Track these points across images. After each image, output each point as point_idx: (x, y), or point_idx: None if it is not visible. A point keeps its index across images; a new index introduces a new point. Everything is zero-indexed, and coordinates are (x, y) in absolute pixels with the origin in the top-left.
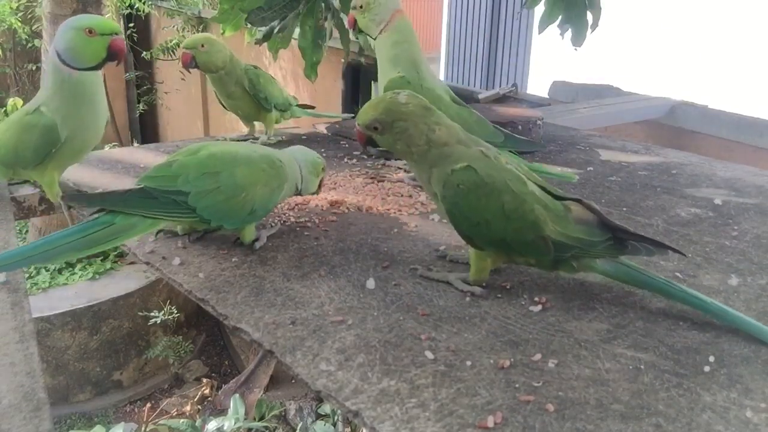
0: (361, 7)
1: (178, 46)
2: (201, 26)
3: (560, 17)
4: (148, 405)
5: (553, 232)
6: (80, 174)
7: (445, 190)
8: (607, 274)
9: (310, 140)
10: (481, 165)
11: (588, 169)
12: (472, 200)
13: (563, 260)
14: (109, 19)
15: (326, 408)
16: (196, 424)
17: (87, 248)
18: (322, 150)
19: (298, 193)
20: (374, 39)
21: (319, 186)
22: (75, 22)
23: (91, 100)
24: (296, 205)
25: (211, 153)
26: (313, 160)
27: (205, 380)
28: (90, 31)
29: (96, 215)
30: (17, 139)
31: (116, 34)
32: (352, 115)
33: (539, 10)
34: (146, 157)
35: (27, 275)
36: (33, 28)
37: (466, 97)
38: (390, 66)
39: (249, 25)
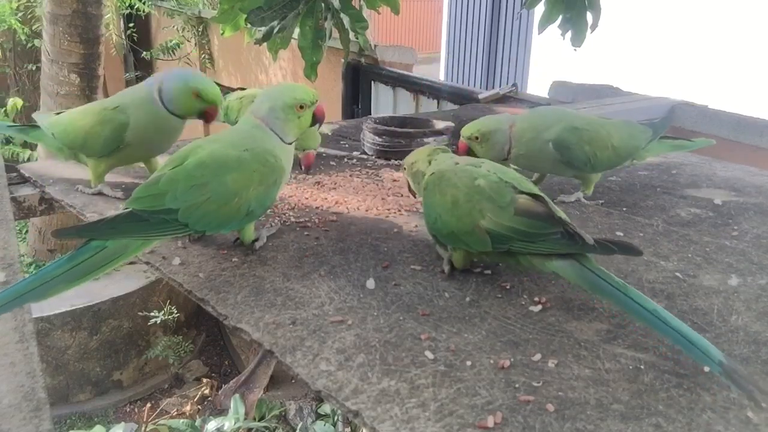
0: (477, 138)
1: (179, 46)
2: (201, 26)
3: (560, 17)
4: (148, 405)
5: (488, 222)
6: (82, 172)
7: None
8: (564, 274)
9: None
10: (444, 170)
11: None
12: (431, 198)
13: (515, 254)
14: (215, 87)
15: (326, 408)
16: (196, 424)
17: (82, 277)
18: (323, 150)
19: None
20: (505, 160)
21: (315, 119)
22: (187, 80)
23: (167, 135)
24: (296, 205)
25: (199, 161)
26: (284, 104)
27: (205, 380)
28: (196, 95)
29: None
30: (90, 128)
31: (217, 104)
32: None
33: (539, 10)
34: None
35: (26, 275)
36: (33, 28)
37: (466, 97)
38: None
39: (249, 25)
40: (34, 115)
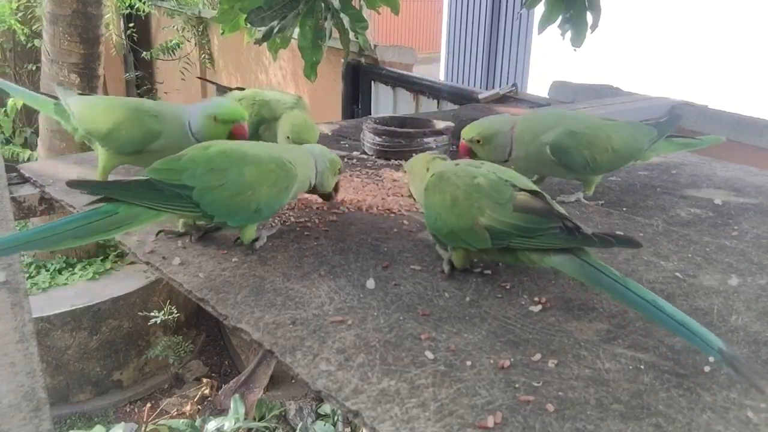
0: (478, 141)
1: (179, 46)
2: (201, 26)
3: (560, 17)
4: (148, 405)
5: (487, 218)
6: (80, 171)
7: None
8: (563, 268)
9: None
10: (444, 171)
11: None
12: (431, 199)
13: (514, 250)
14: (231, 108)
15: (326, 408)
16: (196, 424)
17: (88, 236)
18: None
19: (312, 189)
20: (505, 161)
21: (336, 188)
22: (206, 110)
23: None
24: (296, 204)
25: (220, 150)
26: (332, 158)
27: (205, 380)
28: (215, 119)
29: (99, 204)
30: (119, 124)
31: (238, 120)
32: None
33: (539, 10)
34: None
35: (27, 275)
36: (33, 29)
37: (466, 97)
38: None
39: (249, 25)
40: (57, 87)
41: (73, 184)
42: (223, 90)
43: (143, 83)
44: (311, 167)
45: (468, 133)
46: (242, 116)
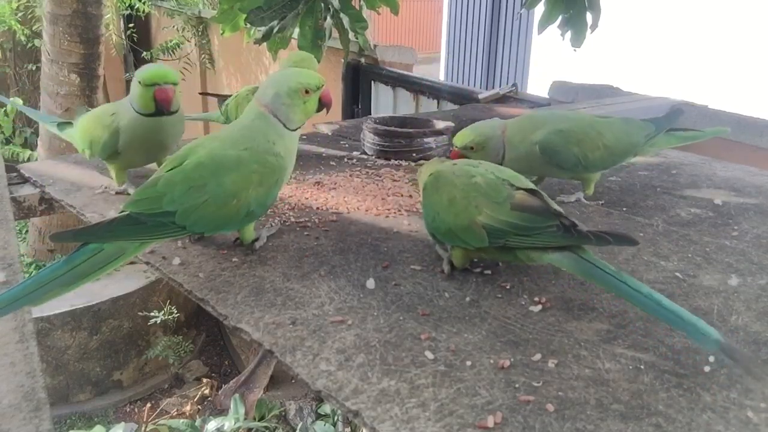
0: (472, 148)
1: (179, 46)
2: (201, 26)
3: (560, 18)
4: (148, 405)
5: (485, 217)
6: (80, 171)
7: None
8: (560, 265)
9: (310, 140)
10: (442, 171)
11: None
12: (429, 198)
13: (512, 248)
14: (167, 70)
15: (326, 408)
16: (196, 424)
17: (79, 280)
18: (323, 150)
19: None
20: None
21: (321, 105)
22: (136, 73)
23: (154, 138)
24: (296, 205)
25: (198, 162)
26: (289, 89)
27: (205, 380)
28: (140, 83)
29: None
30: (93, 132)
31: (158, 83)
32: None
33: (539, 10)
34: None
35: (26, 275)
36: (33, 29)
37: (466, 97)
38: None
39: (248, 25)
40: (77, 109)
41: (55, 237)
42: (223, 99)
43: None
44: (294, 145)
45: (461, 140)
46: (163, 78)
